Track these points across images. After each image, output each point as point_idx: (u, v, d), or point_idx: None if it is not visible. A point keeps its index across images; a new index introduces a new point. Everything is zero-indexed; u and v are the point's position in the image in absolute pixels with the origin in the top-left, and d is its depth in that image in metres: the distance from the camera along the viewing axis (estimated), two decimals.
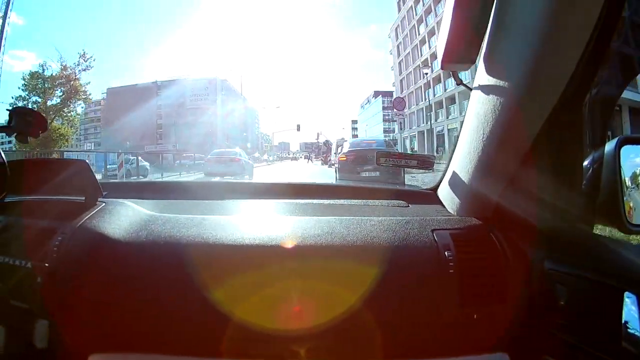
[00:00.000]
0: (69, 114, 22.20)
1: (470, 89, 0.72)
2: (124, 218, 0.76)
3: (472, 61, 0.67)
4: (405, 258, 0.68)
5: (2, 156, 0.80)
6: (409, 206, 0.92)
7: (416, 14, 29.03)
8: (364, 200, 0.98)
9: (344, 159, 6.64)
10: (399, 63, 33.04)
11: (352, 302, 0.63)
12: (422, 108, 28.29)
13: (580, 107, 0.63)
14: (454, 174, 0.79)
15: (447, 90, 24.29)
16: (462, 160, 0.75)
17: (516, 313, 0.64)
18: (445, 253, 0.67)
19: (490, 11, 0.61)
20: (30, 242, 0.70)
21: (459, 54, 0.66)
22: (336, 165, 7.33)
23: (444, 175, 0.87)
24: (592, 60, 0.56)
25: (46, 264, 0.66)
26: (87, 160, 0.85)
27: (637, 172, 0.64)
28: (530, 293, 0.64)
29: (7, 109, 0.90)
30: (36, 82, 21.86)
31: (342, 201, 0.98)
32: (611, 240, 0.62)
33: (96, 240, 0.69)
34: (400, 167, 0.97)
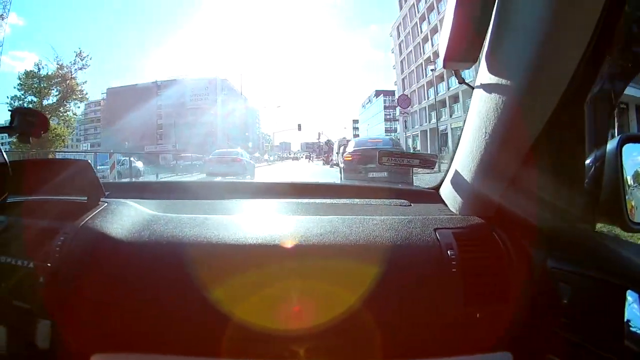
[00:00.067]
0: (65, 114, 21.92)
1: (472, 88, 0.72)
2: (126, 218, 0.76)
3: (474, 60, 0.67)
4: (408, 257, 0.68)
5: (4, 156, 0.81)
6: (411, 205, 0.93)
7: (418, 12, 28.97)
8: (366, 200, 0.99)
9: (350, 158, 6.44)
10: (401, 62, 32.98)
11: (355, 301, 0.63)
12: (425, 107, 28.23)
13: (582, 106, 0.63)
14: (456, 173, 0.80)
15: (451, 89, 24.21)
16: (465, 159, 0.76)
17: (519, 312, 0.65)
18: (448, 252, 0.67)
19: (492, 10, 0.62)
20: (32, 242, 0.70)
21: (461, 53, 0.66)
22: (341, 166, 7.15)
23: (446, 174, 0.88)
24: (594, 59, 0.57)
25: (48, 264, 0.67)
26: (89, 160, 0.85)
27: (639, 170, 0.65)
28: (533, 292, 0.64)
29: (9, 109, 0.91)
30: (32, 81, 21.60)
31: (344, 200, 0.99)
32: (613, 239, 0.62)
33: (98, 240, 0.70)
34: (402, 166, 0.97)
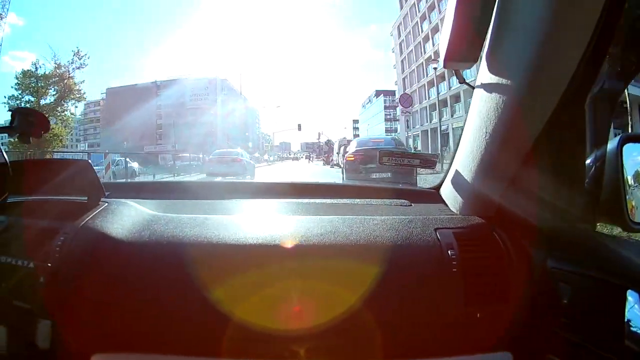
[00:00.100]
0: (63, 114, 21.69)
1: (473, 88, 0.73)
2: (126, 218, 0.77)
3: (475, 60, 0.68)
4: (408, 257, 0.68)
5: (4, 156, 0.82)
6: (411, 205, 0.93)
7: (419, 11, 28.99)
8: (367, 200, 0.99)
9: (352, 159, 6.30)
10: (402, 61, 33.00)
11: (356, 301, 0.64)
12: (426, 107, 28.25)
13: (583, 106, 0.64)
14: (457, 173, 0.80)
15: (452, 88, 24.20)
16: (465, 158, 0.76)
17: (519, 312, 0.65)
18: (449, 252, 0.68)
19: (493, 10, 0.62)
20: (32, 242, 0.71)
21: (462, 53, 0.66)
22: (343, 166, 6.99)
23: (446, 174, 0.88)
24: (594, 58, 0.57)
25: (49, 264, 0.68)
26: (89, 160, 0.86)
27: None
28: (533, 292, 0.64)
29: (9, 110, 0.92)
30: (29, 80, 21.46)
31: (344, 200, 0.99)
32: (614, 239, 0.63)
33: (99, 240, 0.71)
34: (403, 166, 0.97)
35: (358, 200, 0.99)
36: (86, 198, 0.82)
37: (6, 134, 0.92)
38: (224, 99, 37.44)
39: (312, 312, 0.65)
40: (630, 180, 0.64)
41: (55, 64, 21.89)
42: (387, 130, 36.70)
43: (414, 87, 30.31)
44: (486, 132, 0.67)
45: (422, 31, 28.67)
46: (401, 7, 32.16)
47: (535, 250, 0.66)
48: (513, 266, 0.67)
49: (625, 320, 0.50)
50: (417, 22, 29.38)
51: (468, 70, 0.78)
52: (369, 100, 45.05)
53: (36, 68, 21.78)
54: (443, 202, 0.89)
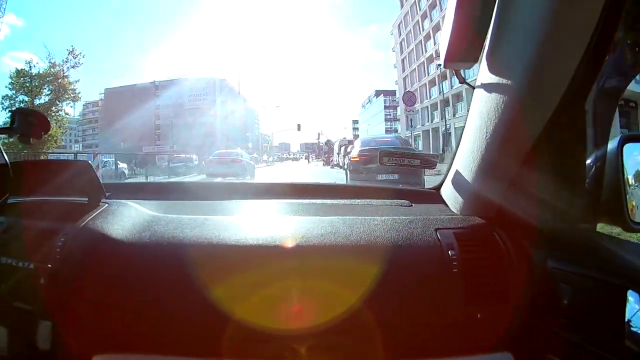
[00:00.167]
0: (58, 114, 21.00)
1: (473, 88, 0.73)
2: (127, 219, 0.77)
3: (475, 60, 0.68)
4: (409, 257, 0.69)
5: (4, 157, 0.82)
6: (412, 205, 0.94)
7: (420, 9, 29.00)
8: (367, 200, 1.00)
9: (357, 159, 6.06)
10: (402, 60, 33.01)
11: (356, 301, 0.64)
12: (427, 106, 28.25)
13: (583, 106, 0.64)
14: (457, 173, 0.81)
15: (454, 87, 24.18)
16: (465, 159, 0.77)
17: (519, 312, 0.65)
18: (449, 252, 0.68)
19: (493, 10, 0.62)
20: (33, 243, 0.71)
21: (462, 53, 0.67)
22: (347, 167, 6.81)
23: (447, 174, 0.89)
24: (594, 58, 0.57)
25: (49, 265, 0.68)
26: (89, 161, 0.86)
27: None
28: (534, 292, 0.65)
29: (9, 110, 0.92)
30: (23, 80, 20.94)
31: (345, 201, 1.00)
32: (614, 239, 0.63)
33: (99, 241, 0.71)
34: (403, 166, 0.98)
35: (358, 200, 0.99)
36: (86, 199, 0.83)
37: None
38: (223, 99, 37.50)
39: (313, 312, 0.65)
40: (631, 180, 0.64)
41: (50, 63, 21.61)
42: (387, 130, 36.72)
43: (414, 86, 30.31)
44: (486, 132, 0.67)
45: (423, 30, 28.67)
46: (402, 6, 32.19)
47: (536, 250, 0.67)
48: (513, 266, 0.67)
49: (626, 320, 0.50)
50: (418, 20, 29.39)
51: (469, 70, 0.78)
52: (369, 101, 45.09)
53: (30, 67, 21.45)
54: (443, 202, 0.90)
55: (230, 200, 1.01)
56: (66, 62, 21.61)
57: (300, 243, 0.70)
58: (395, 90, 37.51)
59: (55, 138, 20.22)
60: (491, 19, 0.63)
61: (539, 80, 0.58)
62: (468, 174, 0.76)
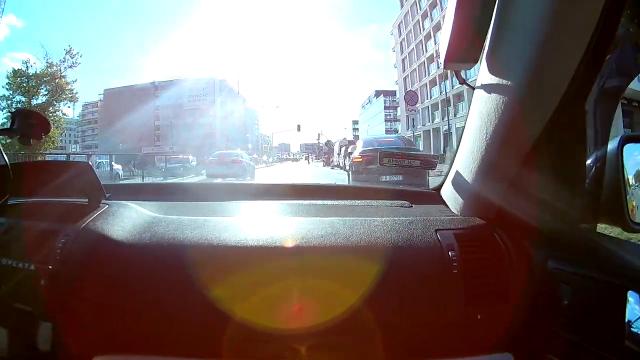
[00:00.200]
0: (55, 114, 20.65)
1: (473, 88, 0.73)
2: (127, 220, 0.78)
3: (475, 60, 0.69)
4: (409, 258, 0.69)
5: (4, 158, 0.83)
6: (412, 206, 0.94)
7: (420, 9, 29.01)
8: (367, 201, 1.00)
9: (359, 160, 5.91)
10: (402, 60, 33.02)
11: (357, 303, 0.64)
12: (428, 106, 28.24)
13: (583, 106, 0.65)
14: (457, 174, 0.81)
15: (455, 87, 24.16)
16: (466, 159, 0.77)
17: (520, 313, 0.66)
18: (449, 253, 0.68)
19: (493, 10, 0.63)
20: (33, 244, 0.72)
21: (462, 53, 0.67)
22: (349, 168, 6.61)
23: (447, 175, 0.89)
24: (594, 58, 0.58)
25: (49, 266, 0.68)
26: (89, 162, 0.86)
27: None
28: (534, 292, 0.65)
29: (10, 111, 0.92)
30: (20, 80, 20.66)
31: (345, 202, 1.00)
32: (614, 239, 0.63)
33: (100, 242, 0.72)
34: (403, 167, 0.98)
35: (358, 201, 1.00)
36: (87, 200, 0.83)
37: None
38: (223, 100, 37.54)
39: (313, 313, 0.66)
40: (631, 181, 0.64)
41: (47, 62, 21.37)
42: (387, 131, 36.69)
43: (415, 86, 30.28)
44: (486, 133, 0.68)
45: (423, 29, 28.68)
46: (402, 5, 32.21)
47: (536, 250, 0.67)
48: (513, 267, 0.68)
49: (626, 320, 0.50)
50: (418, 20, 29.40)
51: (469, 71, 0.79)
52: (369, 101, 45.12)
53: (27, 67, 21.23)
54: (444, 203, 0.90)
55: (231, 201, 1.01)
56: (63, 61, 21.45)
57: (301, 244, 0.70)
58: (395, 91, 37.60)
59: (52, 139, 20.02)
60: (491, 19, 0.63)
61: (539, 80, 0.58)
62: (468, 175, 0.77)
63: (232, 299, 0.65)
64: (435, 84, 27.67)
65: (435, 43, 26.52)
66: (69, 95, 21.67)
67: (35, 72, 21.06)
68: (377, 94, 42.38)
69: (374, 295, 0.65)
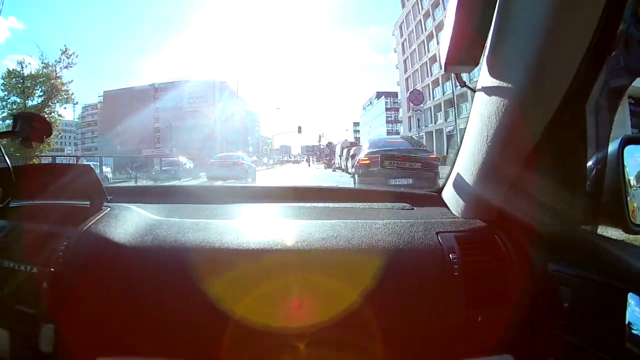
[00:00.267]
0: (50, 116, 19.80)
1: (474, 91, 0.74)
2: (129, 222, 0.79)
3: (476, 63, 0.69)
4: (410, 261, 0.70)
5: (7, 161, 0.84)
6: (413, 209, 0.95)
7: (422, 8, 29.05)
8: (369, 203, 1.01)
9: (366, 162, 5.62)
10: (404, 61, 33.04)
11: (358, 305, 0.65)
12: (430, 107, 28.23)
13: (584, 108, 0.65)
14: (459, 176, 0.82)
15: (458, 88, 24.11)
16: (467, 162, 0.78)
17: (520, 315, 0.66)
18: (450, 255, 0.69)
19: (493, 13, 0.63)
20: (35, 246, 0.73)
21: (462, 56, 0.68)
22: (355, 171, 6.33)
23: (448, 177, 0.90)
24: (595, 60, 0.58)
25: (52, 269, 0.70)
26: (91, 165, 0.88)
27: None
28: (534, 294, 0.66)
29: (12, 114, 0.94)
30: (15, 81, 20.34)
31: (346, 204, 1.01)
32: (615, 242, 0.64)
33: (102, 244, 0.73)
34: (404, 169, 0.99)
35: (360, 204, 1.01)
36: (88, 202, 0.84)
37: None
38: (223, 102, 37.65)
39: (315, 317, 0.66)
40: (632, 182, 0.65)
41: (43, 63, 21.07)
42: (388, 133, 36.62)
43: (417, 87, 30.25)
44: (487, 136, 0.68)
45: (425, 29, 28.69)
46: (403, 6, 32.27)
47: (536, 252, 0.68)
48: (514, 269, 0.68)
49: (626, 322, 0.51)
50: (420, 19, 29.43)
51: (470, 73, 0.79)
52: (370, 102, 45.12)
53: (22, 67, 20.91)
54: (445, 205, 0.91)
55: (232, 204, 1.02)
56: (59, 62, 21.15)
57: (302, 247, 0.71)
58: (396, 92, 37.60)
59: (48, 141, 19.93)
60: (491, 22, 0.63)
61: (540, 83, 0.59)
62: (469, 177, 0.77)
63: (233, 302, 0.66)
64: (438, 85, 27.65)
65: (437, 43, 26.51)
66: (65, 97, 21.40)
67: (31, 73, 20.84)
68: (379, 95, 42.41)
69: (375, 297, 0.66)
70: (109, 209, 0.84)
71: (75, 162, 10.57)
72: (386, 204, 1.00)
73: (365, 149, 6.55)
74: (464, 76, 0.82)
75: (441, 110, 26.91)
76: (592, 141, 0.68)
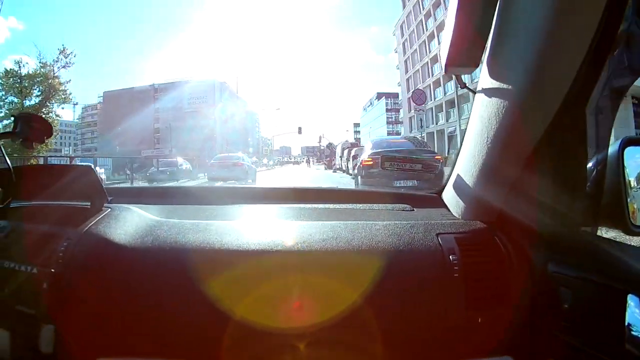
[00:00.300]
0: (48, 116, 19.19)
1: (474, 92, 0.75)
2: (129, 223, 0.79)
3: (476, 65, 0.70)
4: (410, 262, 0.70)
5: (7, 162, 0.85)
6: (413, 210, 0.96)
7: (423, 8, 29.08)
8: (369, 204, 1.01)
9: (370, 163, 5.45)
10: (405, 61, 33.08)
11: (358, 307, 0.66)
12: (432, 108, 28.23)
13: (584, 109, 0.65)
14: (459, 177, 0.82)
15: (459, 88, 24.06)
16: (467, 163, 0.78)
17: (520, 316, 0.67)
18: (450, 257, 0.70)
19: (493, 15, 0.63)
20: (35, 247, 0.73)
21: (462, 58, 0.68)
22: (358, 172, 6.13)
23: (448, 178, 0.90)
24: (595, 62, 0.59)
25: (52, 270, 0.70)
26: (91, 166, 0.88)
27: None
28: (534, 296, 0.66)
29: (13, 115, 0.95)
30: (13, 80, 20.20)
31: (346, 205, 1.01)
32: (615, 243, 0.64)
33: (102, 245, 0.73)
34: (405, 171, 1.00)
35: (360, 205, 1.01)
36: (89, 203, 0.85)
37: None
38: (223, 103, 37.71)
39: (315, 319, 0.67)
40: (632, 183, 0.65)
41: (41, 62, 20.88)
42: (389, 133, 36.67)
43: (418, 87, 30.28)
44: (487, 137, 0.69)
45: (426, 29, 28.71)
46: (404, 6, 32.33)
47: (536, 254, 0.68)
48: (514, 270, 0.69)
49: (626, 324, 0.51)
50: (421, 19, 29.46)
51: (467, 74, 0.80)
52: (370, 103, 45.18)
53: (19, 67, 20.69)
54: (445, 206, 0.91)
55: (232, 205, 1.03)
56: (57, 61, 20.95)
57: (302, 248, 0.72)
58: (397, 93, 37.65)
59: (47, 142, 19.62)
60: (492, 23, 0.64)
61: (540, 84, 0.59)
62: (469, 179, 0.78)
63: (233, 303, 0.66)
64: (440, 85, 27.68)
65: (438, 43, 26.52)
66: (62, 97, 21.19)
67: (28, 73, 20.69)
68: (379, 96, 42.47)
69: (375, 298, 0.66)
70: (109, 209, 0.84)
71: (69, 162, 10.47)
72: (386, 205, 1.00)
73: (368, 150, 6.44)
74: (466, 77, 0.83)
75: (442, 111, 26.93)
76: (592, 142, 0.68)
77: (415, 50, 30.93)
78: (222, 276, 0.69)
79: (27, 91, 20.44)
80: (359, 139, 41.42)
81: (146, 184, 11.84)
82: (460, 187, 0.83)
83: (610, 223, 0.66)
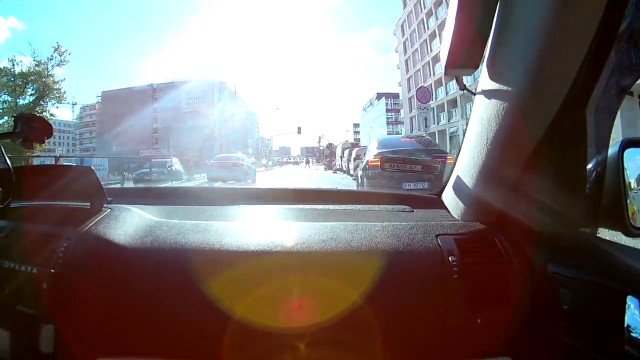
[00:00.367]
0: (42, 114, 17.78)
1: (474, 94, 0.75)
2: (129, 224, 0.80)
3: (476, 66, 0.70)
4: (410, 263, 0.71)
5: (7, 162, 0.86)
6: (413, 211, 0.96)
7: (424, 7, 29.10)
8: (368, 205, 1.02)
9: (377, 163, 4.91)
10: (406, 61, 33.09)
11: (358, 307, 0.66)
12: (433, 108, 28.23)
13: (584, 110, 0.66)
14: (458, 179, 0.83)
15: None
16: (466, 164, 0.79)
17: (520, 317, 0.67)
18: (450, 258, 0.70)
19: (493, 16, 0.64)
20: (35, 247, 0.74)
21: (462, 59, 0.69)
22: (363, 173, 5.87)
23: (448, 179, 0.91)
24: (595, 63, 0.59)
25: (52, 270, 0.71)
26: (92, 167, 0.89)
27: None
28: (534, 297, 0.67)
29: (13, 115, 0.95)
30: (6, 79, 20.11)
31: (346, 206, 1.02)
32: (615, 244, 0.64)
33: (102, 246, 0.74)
34: (404, 172, 1.00)
35: (359, 206, 1.02)
36: (89, 204, 0.86)
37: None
38: (222, 103, 37.72)
39: (314, 319, 0.67)
40: (632, 185, 0.66)
41: (35, 60, 20.61)
42: (389, 134, 36.65)
43: (422, 85, 30.26)
44: (487, 138, 0.69)
45: (428, 28, 28.73)
46: (404, 5, 32.35)
47: (536, 255, 0.69)
48: (514, 271, 0.69)
49: (625, 325, 0.52)
50: (422, 18, 29.48)
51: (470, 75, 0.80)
52: (370, 103, 45.21)
53: (13, 65, 20.43)
54: (445, 207, 0.92)
55: (232, 206, 1.03)
56: (51, 59, 20.66)
57: (302, 249, 0.72)
58: (397, 93, 37.69)
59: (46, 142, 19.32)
60: (492, 24, 0.64)
61: (540, 85, 0.60)
62: (469, 180, 0.78)
63: (233, 303, 0.67)
64: (441, 85, 27.69)
65: (440, 42, 26.49)
66: (57, 95, 20.98)
67: (22, 71, 20.44)
68: (379, 96, 42.49)
69: (375, 299, 0.66)
70: (109, 210, 0.85)
71: (55, 163, 10.34)
72: (386, 206, 1.01)
73: (374, 150, 6.06)
74: (467, 77, 0.83)
75: (444, 111, 26.94)
76: (592, 143, 0.69)
77: (417, 49, 30.95)
78: (222, 277, 0.69)
79: (21, 90, 20.16)
80: (359, 139, 41.39)
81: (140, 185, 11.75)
82: (459, 188, 0.84)
83: (610, 224, 0.66)
